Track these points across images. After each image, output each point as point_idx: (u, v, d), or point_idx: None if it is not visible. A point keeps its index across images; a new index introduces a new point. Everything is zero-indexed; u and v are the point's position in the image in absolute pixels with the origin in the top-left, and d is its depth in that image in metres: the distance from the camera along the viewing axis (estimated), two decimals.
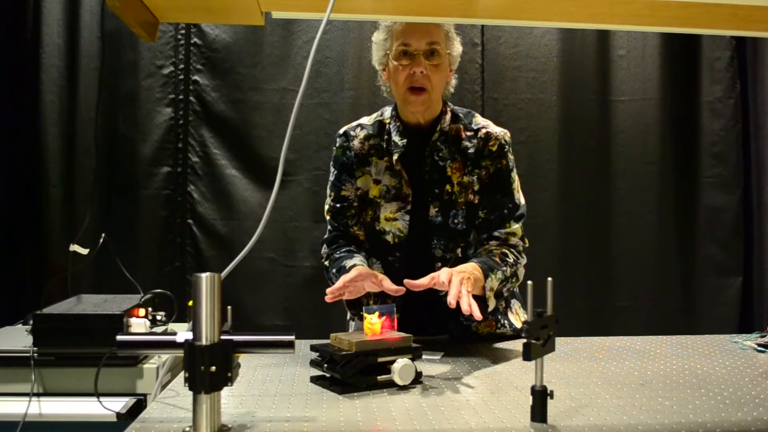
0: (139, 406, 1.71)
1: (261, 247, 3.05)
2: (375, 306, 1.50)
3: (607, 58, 3.21)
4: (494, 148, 1.82)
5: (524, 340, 1.12)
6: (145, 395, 1.75)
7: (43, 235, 3.03)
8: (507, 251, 1.78)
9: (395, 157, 1.81)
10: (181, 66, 3.09)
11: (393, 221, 1.81)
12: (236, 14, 1.57)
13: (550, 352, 1.16)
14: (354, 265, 1.73)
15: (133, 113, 3.09)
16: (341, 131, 1.92)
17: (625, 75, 3.21)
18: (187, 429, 1.10)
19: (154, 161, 3.09)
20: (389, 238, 1.81)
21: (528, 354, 1.12)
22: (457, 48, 1.82)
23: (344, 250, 1.85)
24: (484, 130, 1.83)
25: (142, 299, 1.93)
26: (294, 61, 3.12)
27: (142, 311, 1.91)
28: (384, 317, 1.46)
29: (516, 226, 1.82)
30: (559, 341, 1.20)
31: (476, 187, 1.81)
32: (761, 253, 3.16)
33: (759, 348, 1.74)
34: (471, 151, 1.82)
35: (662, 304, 3.20)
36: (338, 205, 1.88)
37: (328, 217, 1.91)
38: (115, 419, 1.63)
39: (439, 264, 1.78)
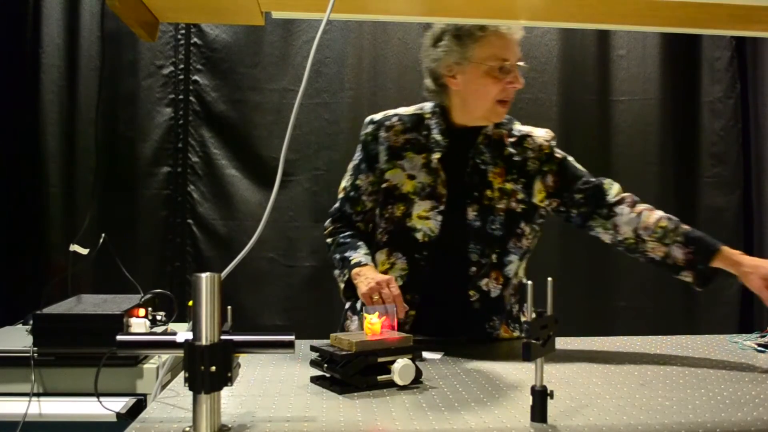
0: (139, 406, 1.72)
1: (261, 247, 3.05)
2: (375, 306, 1.50)
3: (607, 58, 3.21)
4: (547, 150, 1.86)
5: (524, 340, 1.12)
6: (145, 395, 1.75)
7: (43, 235, 3.03)
8: (648, 210, 1.80)
9: (437, 156, 1.80)
10: (181, 66, 3.09)
11: (425, 220, 1.78)
12: (236, 14, 1.57)
13: (550, 352, 1.16)
14: (359, 263, 1.75)
15: (133, 113, 3.09)
16: (375, 118, 1.87)
17: (625, 75, 3.21)
18: (187, 429, 1.10)
19: (154, 161, 3.10)
20: (419, 236, 1.78)
21: (528, 354, 1.12)
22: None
23: (348, 234, 1.86)
24: (530, 139, 1.86)
25: (142, 299, 1.93)
26: (294, 61, 3.12)
27: (142, 311, 1.91)
28: (384, 317, 1.46)
29: (615, 185, 1.85)
30: (559, 341, 1.20)
31: (520, 196, 1.81)
32: (761, 253, 3.15)
33: (759, 348, 1.74)
34: (516, 159, 1.83)
35: (662, 304, 3.20)
36: (352, 193, 1.88)
37: (340, 195, 1.91)
38: (115, 419, 1.64)
39: (474, 269, 1.77)
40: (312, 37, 3.06)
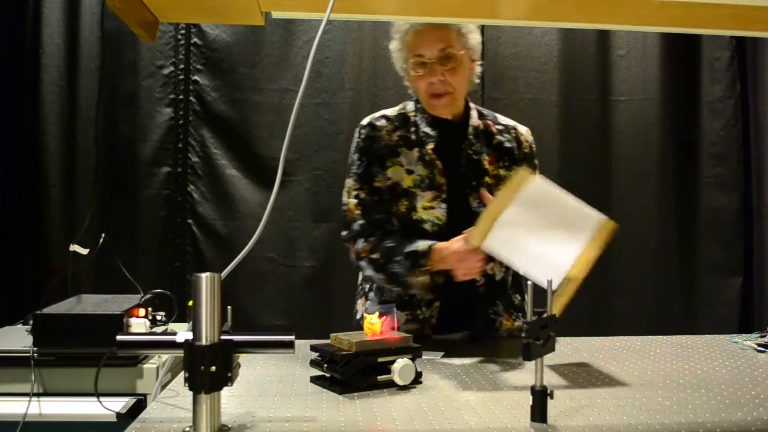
0: (139, 406, 1.71)
1: (261, 247, 3.05)
2: (375, 306, 1.50)
3: (607, 58, 3.21)
4: (527, 150, 1.92)
5: (524, 340, 1.12)
6: (145, 395, 1.75)
7: (43, 235, 3.03)
8: None
9: (430, 146, 1.83)
10: (181, 66, 3.09)
11: (430, 210, 1.80)
12: (236, 14, 1.57)
13: (550, 352, 1.16)
14: (430, 246, 1.71)
15: (133, 113, 3.09)
16: (365, 122, 1.89)
17: (625, 75, 3.21)
18: (187, 429, 1.10)
19: (154, 161, 3.09)
20: (427, 226, 1.79)
21: (528, 354, 1.12)
22: (474, 39, 1.84)
23: (392, 239, 1.79)
24: (514, 131, 1.93)
25: (142, 299, 1.93)
26: (294, 61, 3.12)
27: (142, 311, 1.91)
28: (384, 317, 1.46)
29: None
30: (559, 341, 1.21)
31: None
32: (761, 253, 3.16)
33: (759, 348, 1.74)
34: (507, 145, 1.89)
35: (662, 304, 3.20)
36: (374, 198, 1.83)
37: (358, 211, 1.83)
38: (115, 419, 1.63)
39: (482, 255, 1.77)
40: (312, 37, 3.06)
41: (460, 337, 1.84)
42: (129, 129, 3.09)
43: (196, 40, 3.10)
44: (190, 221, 3.11)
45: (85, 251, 2.00)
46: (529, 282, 1.16)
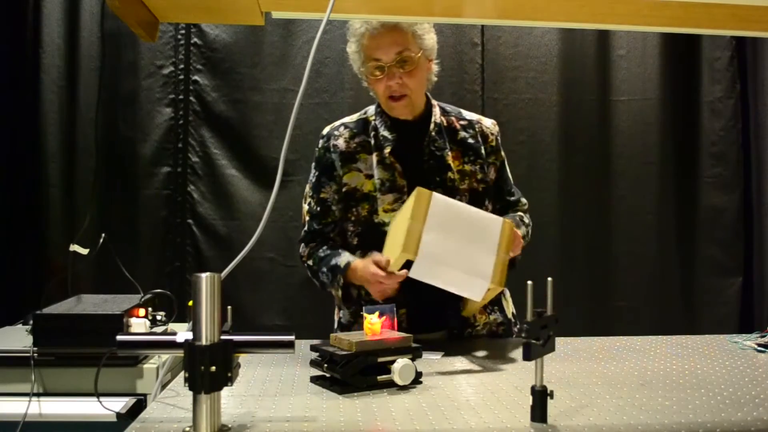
0: (139, 406, 1.71)
1: (261, 247, 3.05)
2: (375, 306, 1.50)
3: (607, 58, 3.21)
4: (493, 143, 1.93)
5: (524, 340, 1.12)
6: (145, 395, 1.75)
7: (43, 235, 3.03)
8: (522, 215, 1.96)
9: (387, 150, 1.84)
10: (181, 66, 3.09)
11: (392, 212, 1.82)
12: (236, 14, 1.57)
13: (550, 352, 1.16)
14: (348, 263, 1.77)
15: (133, 113, 3.08)
16: (324, 132, 1.94)
17: (625, 75, 3.21)
18: (187, 429, 1.10)
19: (154, 161, 3.09)
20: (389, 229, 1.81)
21: (528, 354, 1.12)
22: (430, 40, 1.84)
23: (326, 248, 1.87)
24: (478, 125, 1.93)
25: (142, 299, 1.93)
26: (294, 61, 3.12)
27: (142, 311, 1.91)
28: (384, 317, 1.47)
29: (524, 203, 1.99)
30: (559, 341, 1.21)
31: (479, 176, 1.87)
32: (761, 253, 3.16)
33: (759, 348, 1.74)
34: (471, 141, 1.89)
35: (662, 304, 3.20)
36: (318, 208, 1.89)
37: (307, 218, 1.92)
38: (115, 419, 1.63)
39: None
40: (312, 37, 3.06)
41: (438, 337, 1.84)
42: (129, 129, 3.09)
43: (196, 40, 3.10)
44: (190, 221, 3.11)
45: (85, 251, 2.00)
46: (529, 282, 1.15)
